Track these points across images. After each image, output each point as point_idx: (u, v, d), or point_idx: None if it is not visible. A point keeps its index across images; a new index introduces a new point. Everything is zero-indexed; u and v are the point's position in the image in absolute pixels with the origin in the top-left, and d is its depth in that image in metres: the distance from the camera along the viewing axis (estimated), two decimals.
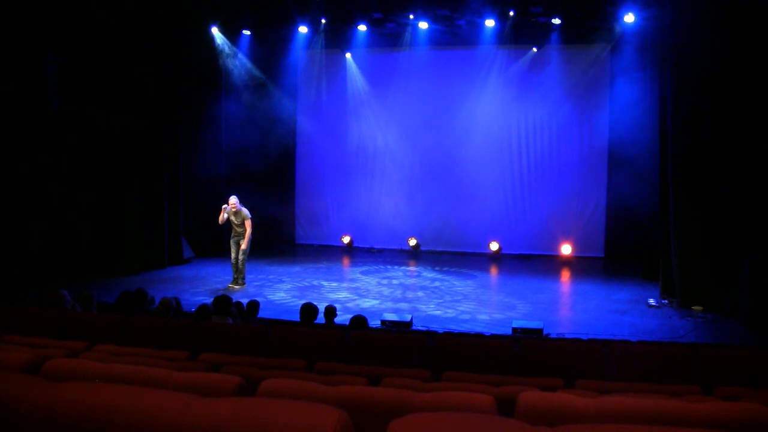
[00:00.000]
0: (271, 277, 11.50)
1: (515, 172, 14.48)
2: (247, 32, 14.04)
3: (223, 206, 10.27)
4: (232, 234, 10.33)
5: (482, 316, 8.95)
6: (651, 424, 2.02)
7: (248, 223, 10.20)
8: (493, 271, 13.05)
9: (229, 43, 13.79)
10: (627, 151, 12.78)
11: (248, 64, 14.13)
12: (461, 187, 14.47)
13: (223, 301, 6.22)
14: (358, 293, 10.31)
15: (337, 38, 14.64)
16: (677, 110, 9.58)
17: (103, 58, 10.96)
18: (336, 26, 14.18)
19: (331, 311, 6.93)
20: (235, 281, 10.40)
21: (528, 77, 14.05)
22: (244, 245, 10.16)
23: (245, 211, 10.25)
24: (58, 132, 10.53)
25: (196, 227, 13.34)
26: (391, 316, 7.83)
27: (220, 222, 10.36)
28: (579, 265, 13.35)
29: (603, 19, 12.68)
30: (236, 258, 10.29)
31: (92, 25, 10.69)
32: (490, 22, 13.13)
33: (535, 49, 13.88)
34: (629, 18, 11.98)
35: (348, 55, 14.94)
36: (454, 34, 14.00)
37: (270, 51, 14.66)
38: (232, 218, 10.22)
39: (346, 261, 13.90)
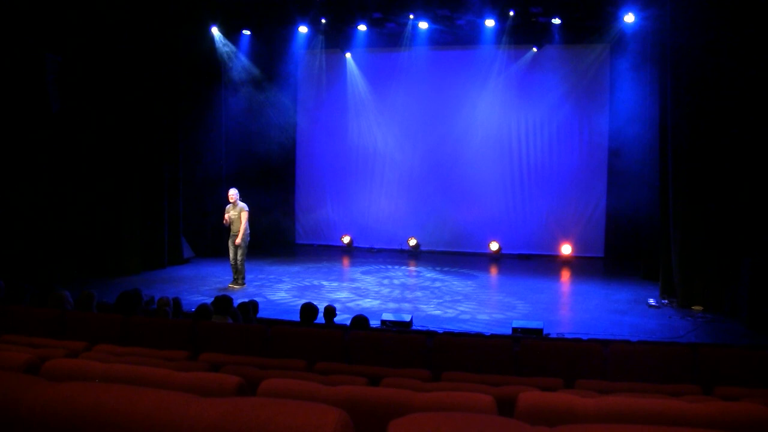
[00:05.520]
0: (271, 277, 11.49)
1: (515, 172, 14.48)
2: (247, 32, 14.04)
3: (227, 207, 10.29)
4: (231, 233, 10.31)
5: (482, 316, 8.96)
6: (651, 424, 2.02)
7: (244, 216, 10.13)
8: (493, 271, 13.05)
9: (229, 43, 13.79)
10: (627, 151, 12.78)
11: (248, 64, 14.13)
12: (461, 187, 14.47)
13: (223, 301, 6.22)
14: (358, 293, 10.31)
15: (337, 38, 14.65)
16: (677, 110, 9.58)
17: (103, 58, 10.96)
18: (336, 26, 14.18)
19: (330, 311, 6.93)
20: (235, 281, 10.39)
21: (528, 77, 14.05)
22: (238, 239, 10.10)
23: (242, 204, 10.23)
24: (58, 132, 10.53)
25: (196, 227, 13.34)
26: (390, 316, 7.83)
27: (225, 222, 10.32)
28: (579, 265, 13.34)
29: (603, 19, 12.68)
30: (234, 258, 10.28)
31: (92, 25, 10.69)
32: (490, 22, 13.12)
33: (535, 49, 13.88)
34: (629, 18, 11.97)
35: (348, 55, 14.94)
36: (454, 34, 14.01)
37: (270, 51, 14.66)
38: (231, 211, 10.19)
39: (346, 261, 13.90)
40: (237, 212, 10.19)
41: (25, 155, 9.93)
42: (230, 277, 10.52)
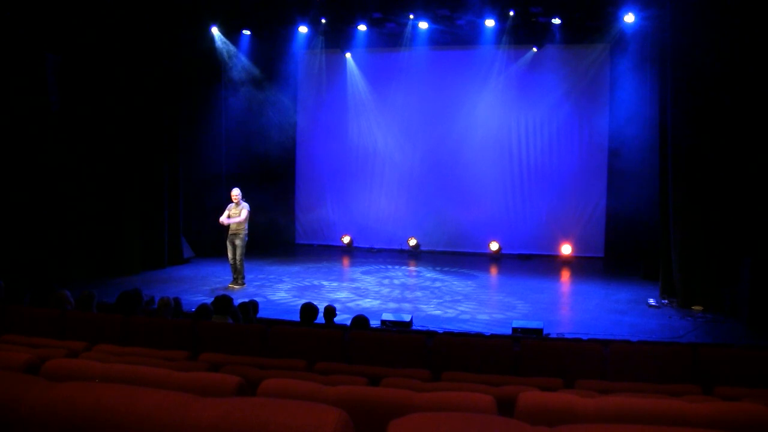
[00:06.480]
0: (271, 277, 11.49)
1: (515, 172, 14.48)
2: (247, 32, 14.04)
3: (229, 206, 10.30)
4: (229, 232, 10.30)
5: (482, 316, 8.95)
6: (651, 424, 2.02)
7: (244, 212, 10.15)
8: (493, 271, 13.05)
9: (229, 43, 13.79)
10: (627, 151, 12.77)
11: (248, 64, 14.12)
12: (461, 187, 14.46)
13: (223, 301, 6.21)
14: (359, 293, 10.31)
15: (337, 38, 14.64)
16: (677, 110, 9.58)
17: (103, 58, 10.96)
18: (336, 26, 14.17)
19: (330, 311, 6.93)
20: (234, 281, 10.39)
21: (528, 77, 14.04)
22: (237, 219, 10.06)
23: (244, 203, 10.26)
24: (58, 132, 10.53)
25: (196, 227, 13.34)
26: (390, 316, 7.83)
27: (221, 221, 10.30)
28: (579, 265, 13.34)
29: (603, 19, 12.67)
30: (233, 258, 10.28)
31: (92, 25, 10.69)
32: (490, 22, 13.11)
33: (535, 49, 13.87)
34: (629, 18, 11.96)
35: (348, 55, 14.94)
36: (454, 34, 14.00)
37: (270, 51, 14.66)
38: (233, 210, 10.20)
39: (346, 261, 13.90)
40: (238, 212, 10.20)
41: (25, 155, 9.92)
42: (230, 277, 10.52)
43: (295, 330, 5.82)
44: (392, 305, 9.46)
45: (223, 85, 13.88)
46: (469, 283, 11.44)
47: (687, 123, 9.40)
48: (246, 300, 7.29)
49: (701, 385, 4.02)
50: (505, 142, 14.47)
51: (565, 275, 12.64)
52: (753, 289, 8.20)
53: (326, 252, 14.73)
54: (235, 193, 10.26)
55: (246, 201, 10.38)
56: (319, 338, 5.38)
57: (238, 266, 10.32)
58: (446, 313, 9.09)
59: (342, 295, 10.16)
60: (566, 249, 13.93)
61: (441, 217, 14.57)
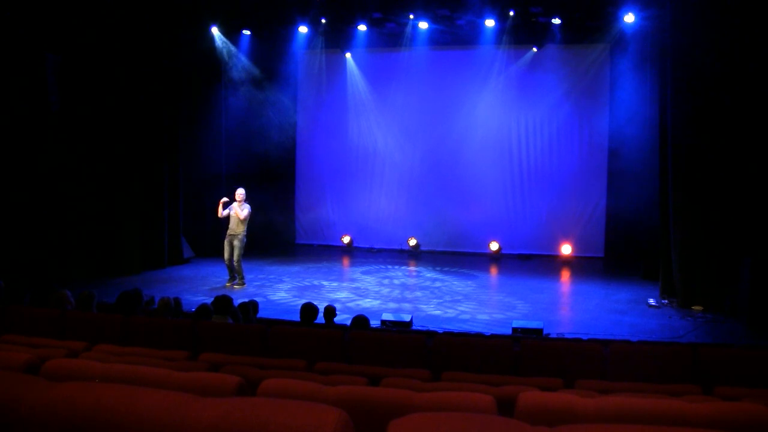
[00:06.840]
0: (271, 277, 11.49)
1: (515, 172, 14.48)
2: (247, 32, 14.04)
3: (222, 200, 10.29)
4: (228, 232, 10.31)
5: (482, 316, 8.95)
6: (651, 424, 2.02)
7: (246, 211, 10.19)
8: (493, 271, 13.05)
9: (229, 43, 13.79)
10: (627, 151, 12.78)
11: (248, 64, 14.12)
12: (461, 187, 14.47)
13: (223, 301, 6.21)
14: (359, 293, 10.31)
15: (337, 38, 14.64)
16: (677, 110, 9.59)
17: (103, 58, 10.96)
18: (336, 26, 14.17)
19: (330, 311, 6.93)
20: (233, 280, 10.39)
21: (528, 77, 14.04)
22: (239, 213, 10.11)
23: (246, 204, 10.29)
24: (58, 132, 10.53)
25: (197, 227, 13.34)
26: (390, 316, 7.83)
27: (220, 215, 10.35)
28: (579, 265, 13.34)
29: (603, 19, 12.67)
30: (230, 258, 10.27)
31: (92, 25, 10.69)
32: (490, 22, 13.12)
33: (535, 49, 13.87)
34: (629, 18, 11.97)
35: (348, 55, 14.94)
36: (454, 34, 14.00)
37: (270, 51, 14.66)
38: (236, 209, 10.20)
39: (346, 261, 13.90)
40: (243, 212, 10.22)
41: (25, 155, 9.92)
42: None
43: (295, 330, 5.81)
44: (392, 305, 9.46)
45: (223, 85, 13.88)
46: (469, 283, 11.44)
47: (687, 123, 9.40)
48: (246, 300, 7.29)
49: (701, 385, 4.02)
50: (505, 142, 14.47)
51: (565, 275, 12.64)
52: (753, 289, 8.20)
53: (326, 252, 14.73)
54: (240, 192, 10.26)
55: (247, 202, 10.38)
56: (319, 338, 5.38)
57: (236, 266, 10.32)
58: (446, 313, 9.09)
59: (342, 295, 10.16)
60: (566, 249, 13.93)
61: (441, 217, 14.57)
